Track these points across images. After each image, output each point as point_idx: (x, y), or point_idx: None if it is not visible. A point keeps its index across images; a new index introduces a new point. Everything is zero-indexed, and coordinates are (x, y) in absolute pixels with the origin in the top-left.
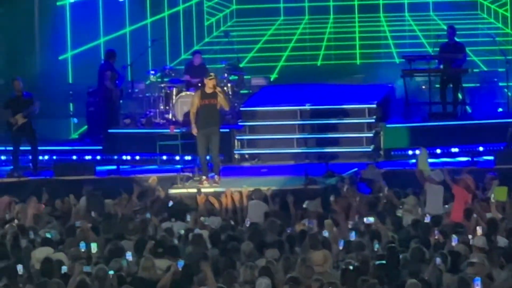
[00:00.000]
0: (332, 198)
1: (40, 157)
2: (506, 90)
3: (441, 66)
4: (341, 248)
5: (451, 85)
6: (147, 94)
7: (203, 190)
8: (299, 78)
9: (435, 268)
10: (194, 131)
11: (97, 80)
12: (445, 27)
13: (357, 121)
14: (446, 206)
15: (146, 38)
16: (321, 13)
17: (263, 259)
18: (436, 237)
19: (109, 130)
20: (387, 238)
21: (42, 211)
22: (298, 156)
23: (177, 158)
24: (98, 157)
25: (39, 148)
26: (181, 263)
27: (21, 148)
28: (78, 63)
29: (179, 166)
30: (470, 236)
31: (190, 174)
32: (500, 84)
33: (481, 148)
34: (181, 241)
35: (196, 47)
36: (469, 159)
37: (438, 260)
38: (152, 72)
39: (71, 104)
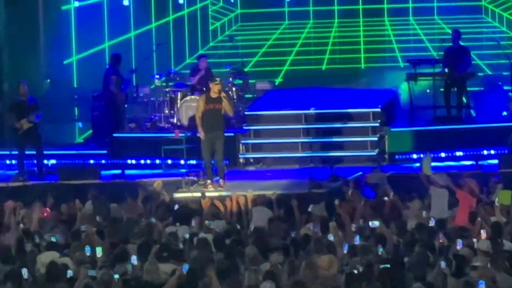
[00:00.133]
0: (336, 202)
1: (45, 161)
2: (511, 94)
3: (446, 70)
4: (345, 252)
5: (455, 89)
6: (152, 99)
7: (207, 194)
8: (303, 82)
9: (439, 272)
10: (202, 135)
11: (102, 84)
12: (449, 31)
13: (361, 125)
14: (451, 210)
15: (151, 42)
16: (325, 17)
17: (267, 263)
18: (441, 241)
19: (114, 135)
20: (391, 242)
21: (47, 216)
22: (302, 160)
23: (182, 162)
24: (103, 161)
25: (44, 152)
26: (186, 267)
27: (26, 152)
28: (83, 68)
29: (184, 170)
30: (474, 240)
31: (195, 178)
32: (505, 87)
33: (485, 152)
34: (186, 245)
35: (200, 51)
36: (474, 163)
37: (442, 264)
38: (157, 76)
39: (76, 109)
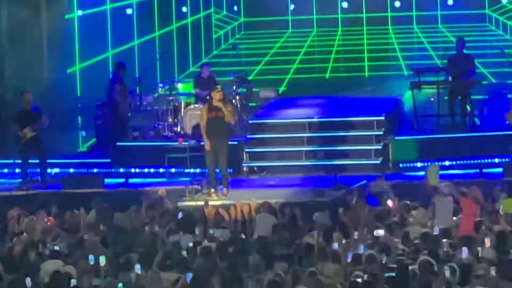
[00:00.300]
0: (340, 210)
1: (49, 170)
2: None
3: (450, 78)
4: (349, 260)
5: (459, 97)
6: (155, 107)
7: (211, 202)
8: (307, 90)
9: (444, 280)
10: (207, 144)
11: (105, 93)
12: (453, 39)
13: (365, 133)
14: (455, 218)
15: (155, 51)
16: (329, 25)
17: (271, 271)
18: (445, 250)
19: (118, 143)
20: (396, 251)
21: (51, 224)
22: (306, 168)
23: (186, 170)
24: (107, 170)
25: (48, 161)
26: (189, 276)
27: (30, 161)
28: (86, 76)
29: (187, 179)
30: (479, 248)
31: (199, 187)
32: (509, 96)
33: (489, 160)
34: (189, 253)
35: (204, 60)
36: (478, 171)
37: (447, 272)
38: (161, 85)
39: (79, 117)
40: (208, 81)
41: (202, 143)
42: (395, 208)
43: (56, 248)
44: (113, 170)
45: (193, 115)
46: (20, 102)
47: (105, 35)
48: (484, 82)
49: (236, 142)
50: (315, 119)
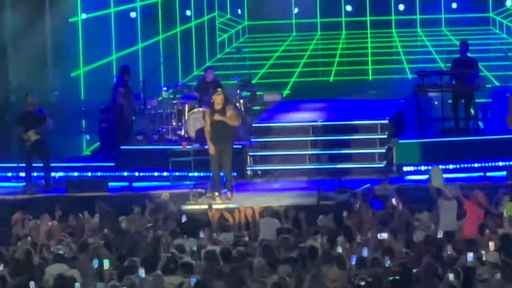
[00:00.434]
0: (345, 214)
1: (53, 174)
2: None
3: (454, 82)
4: (353, 264)
5: (463, 101)
6: (159, 111)
7: (215, 206)
8: (311, 94)
9: (448, 284)
10: (212, 149)
11: (109, 96)
12: (457, 43)
13: (369, 136)
14: (459, 221)
15: (158, 54)
16: (333, 29)
17: (275, 275)
18: (449, 253)
19: (122, 147)
20: (399, 254)
21: (55, 228)
22: (310, 172)
23: (190, 174)
24: (111, 174)
25: (52, 164)
26: (193, 279)
27: (34, 164)
28: (90, 80)
29: (191, 183)
30: (483, 252)
31: (203, 191)
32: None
33: (493, 164)
34: (193, 257)
35: (208, 63)
36: (482, 174)
37: (451, 276)
38: (165, 88)
39: (83, 121)
40: (213, 84)
41: (206, 146)
42: (399, 210)
43: (60, 252)
44: (117, 173)
45: (197, 119)
46: (24, 106)
47: (109, 38)
48: (488, 86)
49: (240, 146)
50: (319, 123)
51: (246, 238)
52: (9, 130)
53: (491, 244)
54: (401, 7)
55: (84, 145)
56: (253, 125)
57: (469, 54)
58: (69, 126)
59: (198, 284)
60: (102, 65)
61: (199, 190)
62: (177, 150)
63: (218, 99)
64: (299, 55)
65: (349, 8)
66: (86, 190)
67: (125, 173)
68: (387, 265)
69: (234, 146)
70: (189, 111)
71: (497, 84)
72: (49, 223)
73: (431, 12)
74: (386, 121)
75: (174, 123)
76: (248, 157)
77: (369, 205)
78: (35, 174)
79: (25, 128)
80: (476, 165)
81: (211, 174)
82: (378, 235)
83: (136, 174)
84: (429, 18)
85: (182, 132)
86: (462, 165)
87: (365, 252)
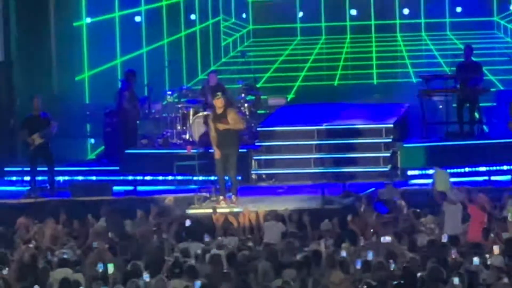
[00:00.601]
0: (349, 217)
1: (57, 178)
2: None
3: (458, 86)
4: (358, 267)
5: (468, 105)
6: (164, 115)
7: (219, 210)
8: (316, 98)
9: None
10: (217, 154)
11: (114, 100)
12: (462, 47)
13: (374, 140)
14: (464, 225)
15: (163, 58)
16: (338, 33)
17: (279, 279)
18: (454, 257)
19: (126, 151)
20: (404, 258)
21: (60, 232)
22: (315, 176)
23: (194, 178)
24: (115, 178)
25: (56, 168)
26: (198, 283)
27: (38, 168)
28: (95, 84)
29: (196, 186)
30: (487, 256)
31: (207, 194)
32: None
33: (498, 168)
34: (198, 261)
35: (213, 67)
36: (487, 178)
37: (455, 280)
38: (169, 92)
39: (88, 125)
40: (216, 88)
41: (210, 150)
42: (404, 214)
43: (65, 255)
44: (121, 177)
45: (201, 123)
46: (29, 110)
47: (114, 42)
48: (492, 89)
49: (245, 150)
50: (323, 127)
51: (251, 242)
52: (14, 134)
53: (496, 248)
54: (406, 11)
55: (88, 149)
56: (258, 129)
57: (473, 58)
58: (74, 130)
59: None
60: (107, 69)
61: (204, 194)
62: (182, 154)
63: (218, 103)
64: (304, 59)
65: (353, 12)
66: (91, 194)
67: (130, 177)
68: (391, 269)
69: (239, 150)
70: (193, 115)
71: (502, 88)
72: (54, 227)
73: (435, 16)
74: (391, 125)
75: (179, 127)
76: (253, 161)
77: (374, 209)
78: (39, 178)
79: (29, 131)
80: (480, 169)
81: (216, 177)
82: (382, 239)
83: (141, 178)
84: (434, 22)
85: (187, 136)
86: (466, 169)
87: (369, 256)
